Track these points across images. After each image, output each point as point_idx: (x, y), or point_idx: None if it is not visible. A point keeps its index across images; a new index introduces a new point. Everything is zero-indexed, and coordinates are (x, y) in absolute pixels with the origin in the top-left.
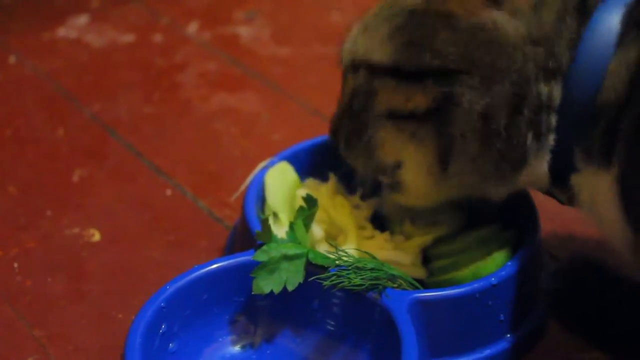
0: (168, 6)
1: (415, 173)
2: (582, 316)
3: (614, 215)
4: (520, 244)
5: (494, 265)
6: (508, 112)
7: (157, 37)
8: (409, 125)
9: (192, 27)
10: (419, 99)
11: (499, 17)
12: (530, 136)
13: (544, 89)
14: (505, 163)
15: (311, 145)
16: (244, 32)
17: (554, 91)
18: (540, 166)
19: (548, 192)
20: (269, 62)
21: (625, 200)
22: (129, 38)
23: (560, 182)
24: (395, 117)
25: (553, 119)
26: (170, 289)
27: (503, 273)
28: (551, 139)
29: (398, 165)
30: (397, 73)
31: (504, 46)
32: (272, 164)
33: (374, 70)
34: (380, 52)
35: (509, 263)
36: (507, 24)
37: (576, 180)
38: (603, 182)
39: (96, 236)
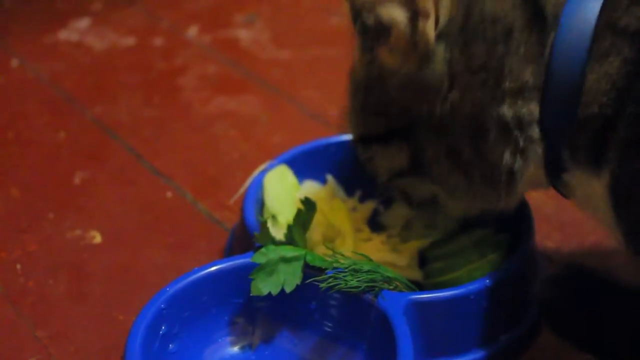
0: (168, 10)
1: (449, 199)
2: (574, 324)
3: (607, 216)
4: (515, 246)
5: (489, 267)
6: (471, 142)
7: (158, 41)
8: (413, 178)
9: (192, 31)
10: (400, 158)
11: (415, 66)
12: (507, 154)
13: (507, 110)
14: (495, 185)
15: (310, 148)
16: (244, 35)
17: (525, 108)
18: (535, 174)
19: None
20: (268, 65)
21: (617, 209)
22: (129, 41)
23: (555, 179)
24: (398, 175)
25: (534, 132)
26: (170, 290)
27: (497, 275)
28: (537, 149)
29: (436, 196)
30: (377, 140)
31: (433, 89)
32: (271, 167)
33: (362, 142)
34: (359, 128)
35: (504, 265)
36: (428, 66)
37: (568, 178)
38: (595, 185)
39: (97, 238)
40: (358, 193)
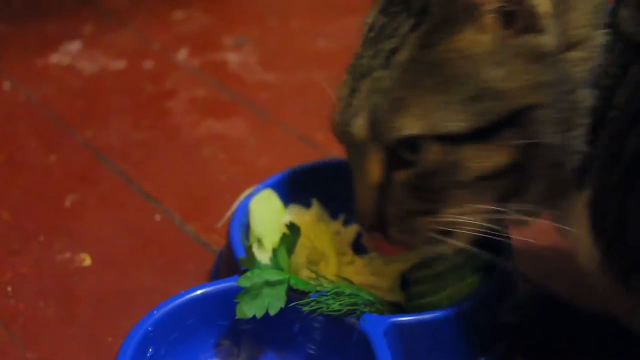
0: (158, 32)
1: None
2: (543, 349)
3: (583, 235)
4: (494, 268)
5: (468, 289)
6: (564, 126)
7: (148, 64)
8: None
9: (182, 54)
10: (500, 154)
11: (533, 37)
12: (580, 153)
13: (589, 95)
14: (559, 193)
15: (295, 172)
16: (233, 58)
17: (587, 97)
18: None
19: None
20: (256, 88)
21: (594, 227)
22: (120, 64)
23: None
24: (479, 179)
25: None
26: (157, 313)
27: (476, 297)
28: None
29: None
30: (473, 136)
31: (549, 58)
32: (256, 191)
33: (450, 141)
34: (454, 120)
35: (482, 287)
36: (542, 36)
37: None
38: (576, 202)
39: (87, 261)
40: (342, 216)
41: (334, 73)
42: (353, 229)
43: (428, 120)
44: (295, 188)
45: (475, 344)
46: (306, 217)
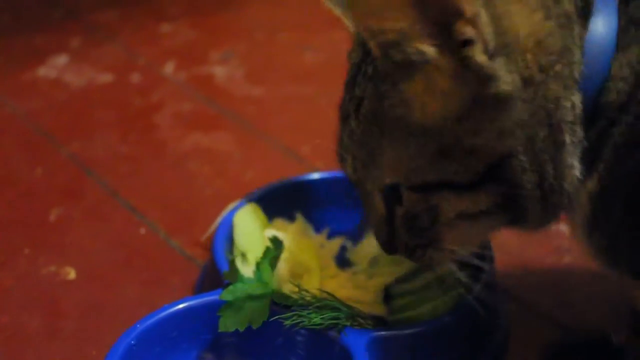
0: (145, 46)
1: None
2: None
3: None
4: (476, 281)
5: (451, 303)
6: (552, 155)
7: (135, 77)
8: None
9: (169, 67)
10: (484, 201)
11: (499, 71)
12: (576, 167)
13: (577, 99)
14: (556, 212)
15: (279, 186)
16: (219, 72)
17: (576, 101)
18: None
19: None
20: (242, 102)
21: (593, 222)
22: (107, 78)
23: None
24: (465, 216)
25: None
26: (141, 327)
27: (458, 310)
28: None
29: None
30: (453, 186)
31: (514, 99)
32: (241, 205)
33: (427, 189)
34: (425, 174)
35: (465, 300)
36: (493, 84)
37: None
38: (582, 194)
39: (72, 274)
40: (326, 230)
41: (321, 87)
42: (336, 243)
43: (399, 172)
44: (279, 202)
45: (458, 357)
46: (290, 230)
